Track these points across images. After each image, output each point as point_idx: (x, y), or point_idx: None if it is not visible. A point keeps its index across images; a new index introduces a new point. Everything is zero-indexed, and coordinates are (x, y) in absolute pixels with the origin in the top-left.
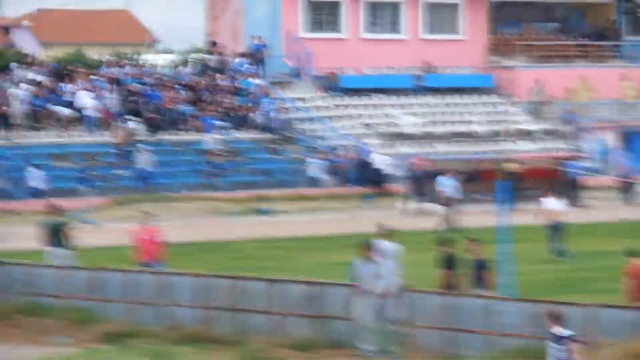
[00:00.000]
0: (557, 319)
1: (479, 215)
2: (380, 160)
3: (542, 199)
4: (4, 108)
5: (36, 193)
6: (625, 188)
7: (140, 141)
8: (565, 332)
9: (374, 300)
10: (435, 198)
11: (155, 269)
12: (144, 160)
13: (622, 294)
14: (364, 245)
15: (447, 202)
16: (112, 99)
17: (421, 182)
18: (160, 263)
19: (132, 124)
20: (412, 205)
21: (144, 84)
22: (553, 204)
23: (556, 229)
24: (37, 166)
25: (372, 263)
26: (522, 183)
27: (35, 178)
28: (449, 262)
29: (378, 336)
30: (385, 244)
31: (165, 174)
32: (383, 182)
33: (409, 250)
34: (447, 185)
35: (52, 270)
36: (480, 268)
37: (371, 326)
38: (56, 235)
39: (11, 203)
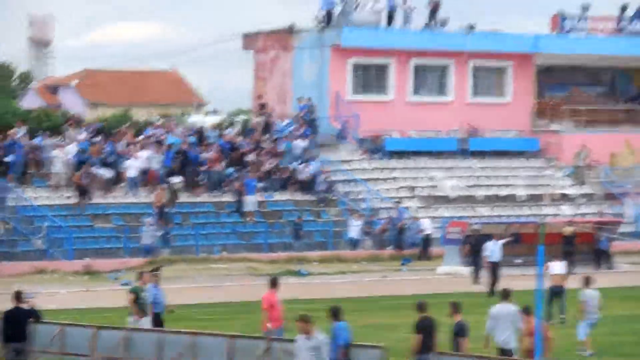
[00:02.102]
0: None
1: (520, 279)
2: (425, 224)
3: (549, 263)
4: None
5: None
6: None
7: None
8: None
9: None
10: (480, 262)
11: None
12: (150, 235)
13: None
14: (303, 319)
15: (492, 266)
16: (157, 160)
17: (471, 246)
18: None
19: (174, 185)
20: (453, 268)
21: (189, 145)
22: (557, 268)
23: (557, 294)
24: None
25: (310, 338)
26: (574, 247)
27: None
28: (426, 327)
29: None
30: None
31: (203, 236)
32: (426, 246)
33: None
34: (493, 249)
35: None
36: (458, 334)
37: None
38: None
39: (52, 262)
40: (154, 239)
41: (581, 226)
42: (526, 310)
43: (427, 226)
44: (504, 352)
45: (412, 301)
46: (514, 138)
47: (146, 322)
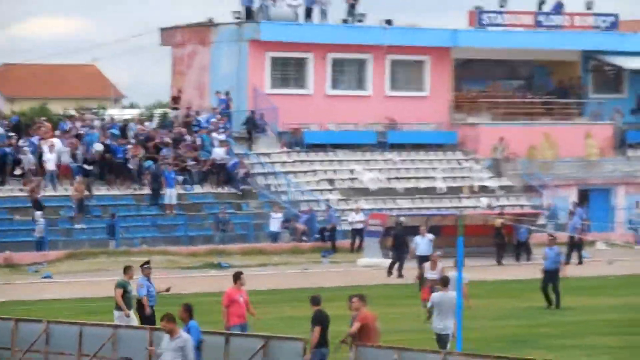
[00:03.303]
0: None
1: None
2: (354, 217)
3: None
4: None
5: None
6: (575, 246)
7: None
8: None
9: None
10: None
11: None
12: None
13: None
14: (166, 318)
15: (420, 260)
16: (74, 153)
17: (394, 239)
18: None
19: (90, 178)
20: (373, 260)
21: (108, 138)
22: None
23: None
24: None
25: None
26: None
27: None
28: (322, 320)
29: None
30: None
31: (123, 228)
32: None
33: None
34: (420, 243)
35: None
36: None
37: None
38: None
39: None
40: (42, 233)
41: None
42: (362, 298)
43: (356, 218)
44: (441, 337)
45: (332, 294)
46: (432, 131)
47: (131, 317)
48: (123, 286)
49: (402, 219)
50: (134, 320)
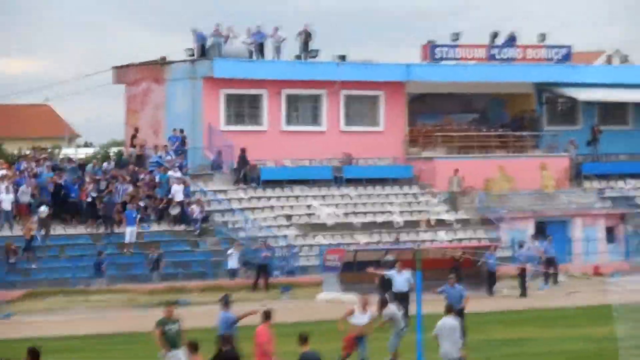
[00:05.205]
0: None
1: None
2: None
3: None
4: None
5: None
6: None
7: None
8: None
9: None
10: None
11: None
12: None
13: None
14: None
15: (396, 296)
16: (28, 193)
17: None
18: None
19: (42, 215)
20: (332, 295)
21: (62, 177)
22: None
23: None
24: None
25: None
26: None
27: None
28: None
29: None
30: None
31: (80, 268)
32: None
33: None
34: (398, 280)
35: None
36: None
37: None
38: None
39: None
40: None
41: (456, 251)
42: (192, 347)
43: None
44: None
45: (292, 329)
46: (387, 165)
47: (176, 355)
48: (161, 324)
49: (387, 257)
50: (178, 358)
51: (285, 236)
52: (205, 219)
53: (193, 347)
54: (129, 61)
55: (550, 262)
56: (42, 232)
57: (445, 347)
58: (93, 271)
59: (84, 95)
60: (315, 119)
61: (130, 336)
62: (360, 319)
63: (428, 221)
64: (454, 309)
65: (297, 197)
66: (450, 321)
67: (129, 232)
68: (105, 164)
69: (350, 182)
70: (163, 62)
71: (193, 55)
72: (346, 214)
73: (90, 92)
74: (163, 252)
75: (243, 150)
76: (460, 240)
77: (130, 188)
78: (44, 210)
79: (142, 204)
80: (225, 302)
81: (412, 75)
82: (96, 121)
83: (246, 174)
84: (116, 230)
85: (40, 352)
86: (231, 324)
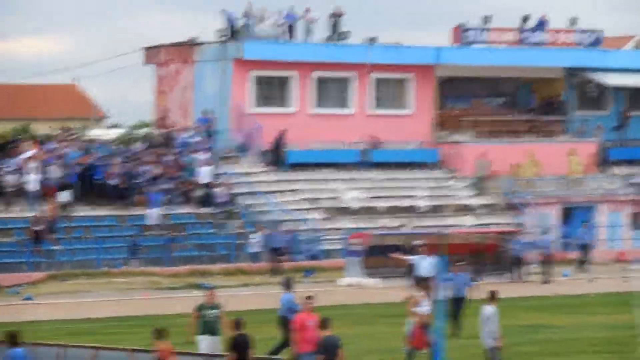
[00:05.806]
0: None
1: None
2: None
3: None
4: None
5: None
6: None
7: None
8: None
9: None
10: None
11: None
12: None
13: None
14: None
15: (419, 281)
16: (56, 173)
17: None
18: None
19: (65, 196)
20: (354, 280)
21: (91, 158)
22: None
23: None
24: None
25: None
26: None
27: None
28: (241, 344)
29: None
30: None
31: (105, 249)
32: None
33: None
34: (422, 265)
35: None
36: (327, 348)
37: None
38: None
39: None
40: None
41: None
42: (158, 334)
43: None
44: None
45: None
46: (415, 149)
47: (205, 340)
48: (199, 309)
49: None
50: (209, 344)
51: (310, 220)
52: (230, 201)
53: (159, 334)
54: (156, 42)
55: (584, 248)
56: (63, 215)
57: (482, 335)
58: (126, 253)
59: (111, 76)
60: (343, 102)
61: (151, 319)
62: (426, 306)
63: (453, 206)
64: (495, 296)
65: (323, 180)
66: (487, 309)
67: (153, 214)
68: (133, 145)
69: (377, 165)
70: (193, 43)
71: (224, 36)
72: (371, 198)
73: (117, 73)
74: (184, 234)
75: (283, 132)
76: (486, 225)
77: (157, 170)
78: (65, 195)
79: (167, 185)
80: (287, 284)
81: (442, 59)
82: (124, 102)
83: (280, 156)
84: (141, 212)
85: (18, 336)
86: (292, 307)
